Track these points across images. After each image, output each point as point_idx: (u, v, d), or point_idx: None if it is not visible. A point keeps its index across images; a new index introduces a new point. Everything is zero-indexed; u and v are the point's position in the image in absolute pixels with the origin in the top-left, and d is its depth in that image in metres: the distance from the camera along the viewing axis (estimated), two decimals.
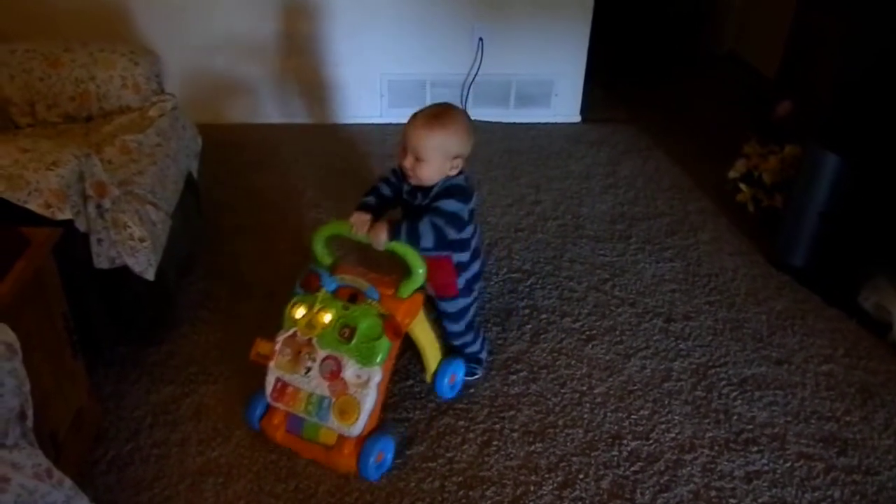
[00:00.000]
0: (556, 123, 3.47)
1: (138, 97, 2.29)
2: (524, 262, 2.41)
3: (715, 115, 3.62)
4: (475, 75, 3.35)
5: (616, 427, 1.79)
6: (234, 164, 2.94)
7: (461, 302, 1.79)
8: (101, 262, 1.70)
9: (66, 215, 1.56)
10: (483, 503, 1.59)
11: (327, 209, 2.66)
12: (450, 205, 1.61)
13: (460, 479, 1.64)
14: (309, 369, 1.60)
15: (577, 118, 3.51)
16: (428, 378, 1.84)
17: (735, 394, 1.90)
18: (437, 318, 1.85)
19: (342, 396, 1.57)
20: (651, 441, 1.76)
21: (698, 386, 1.93)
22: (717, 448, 1.74)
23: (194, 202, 2.34)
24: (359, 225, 1.64)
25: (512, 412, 1.82)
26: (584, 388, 1.91)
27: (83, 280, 1.69)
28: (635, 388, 1.91)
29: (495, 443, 1.74)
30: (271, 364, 1.64)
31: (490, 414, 1.81)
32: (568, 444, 1.74)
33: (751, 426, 1.81)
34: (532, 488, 1.63)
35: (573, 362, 1.99)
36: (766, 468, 1.70)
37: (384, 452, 1.63)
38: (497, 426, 1.78)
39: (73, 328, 1.59)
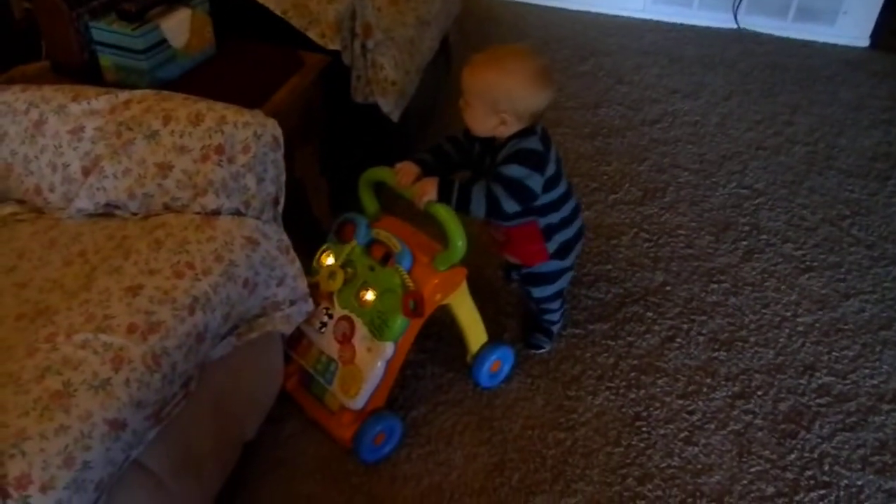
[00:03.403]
0: (837, 45, 3.11)
1: None
2: (757, 181, 2.28)
3: None
4: None
5: (812, 358, 1.71)
6: (486, 36, 3.03)
7: (553, 265, 1.58)
8: (356, 96, 1.91)
9: (335, 46, 1.76)
10: (652, 389, 1.63)
11: (558, 96, 2.69)
12: (512, 170, 1.38)
13: (635, 362, 1.69)
14: (324, 325, 1.49)
15: (864, 42, 3.11)
16: (468, 359, 1.62)
17: None
18: (520, 282, 1.68)
19: (348, 365, 1.44)
20: (848, 382, 1.66)
21: None
22: None
23: (445, 63, 2.48)
24: (402, 175, 1.45)
25: (703, 317, 1.81)
26: (788, 314, 1.82)
27: (339, 109, 1.91)
28: (846, 327, 1.79)
29: (679, 340, 1.75)
30: None
31: (681, 314, 1.81)
32: (754, 360, 1.70)
33: None
34: (705, 390, 1.63)
35: (783, 287, 1.90)
36: None
37: (385, 434, 1.47)
38: (685, 326, 1.78)
39: (324, 146, 1.82)
